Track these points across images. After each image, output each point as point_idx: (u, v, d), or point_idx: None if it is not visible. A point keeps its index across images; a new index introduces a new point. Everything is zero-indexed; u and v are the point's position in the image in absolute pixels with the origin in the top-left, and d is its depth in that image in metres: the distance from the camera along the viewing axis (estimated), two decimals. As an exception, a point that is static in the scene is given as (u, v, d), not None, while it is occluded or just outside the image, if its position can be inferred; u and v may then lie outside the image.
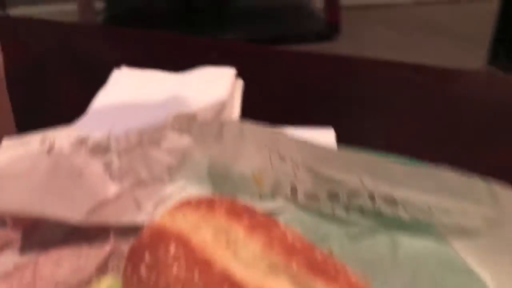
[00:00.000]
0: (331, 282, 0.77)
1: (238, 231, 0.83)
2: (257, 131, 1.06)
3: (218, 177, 1.11)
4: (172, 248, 0.81)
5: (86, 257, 0.96)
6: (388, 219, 1.02)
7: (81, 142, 0.94)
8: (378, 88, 1.36)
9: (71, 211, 0.94)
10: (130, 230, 1.02)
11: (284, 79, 1.39)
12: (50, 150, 0.90)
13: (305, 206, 1.06)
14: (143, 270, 0.80)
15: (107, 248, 0.98)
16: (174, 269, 0.78)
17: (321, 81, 1.37)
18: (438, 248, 0.97)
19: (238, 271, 0.76)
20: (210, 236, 0.84)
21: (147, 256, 0.81)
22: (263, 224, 0.85)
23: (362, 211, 1.05)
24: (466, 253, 0.94)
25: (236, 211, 0.87)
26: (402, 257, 0.99)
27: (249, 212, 0.89)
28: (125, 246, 1.00)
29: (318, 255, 0.81)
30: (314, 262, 0.79)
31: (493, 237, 0.89)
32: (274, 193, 1.09)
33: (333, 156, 0.98)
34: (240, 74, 1.28)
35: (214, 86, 1.25)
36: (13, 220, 0.95)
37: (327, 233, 0.97)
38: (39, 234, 0.98)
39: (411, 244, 1.00)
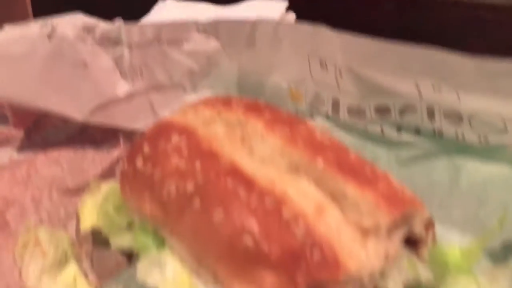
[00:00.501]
0: (366, 187, 0.60)
1: (257, 125, 0.68)
2: (295, 31, 0.89)
3: (249, 89, 0.96)
4: (174, 139, 0.67)
5: (90, 160, 0.84)
6: (450, 141, 0.83)
7: (88, 30, 0.81)
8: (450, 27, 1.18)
9: (75, 106, 0.82)
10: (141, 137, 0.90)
11: None
12: (51, 34, 0.78)
13: (349, 124, 0.89)
14: (139, 162, 0.67)
15: (115, 153, 0.86)
16: (174, 160, 0.64)
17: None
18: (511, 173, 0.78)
19: (250, 166, 0.61)
20: (222, 130, 0.69)
21: (145, 148, 0.68)
22: (287, 120, 0.69)
23: (417, 130, 0.86)
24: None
25: (257, 107, 0.72)
26: (465, 184, 0.80)
27: (272, 109, 0.73)
28: (135, 153, 0.87)
29: (353, 156, 0.65)
30: (346, 162, 0.62)
31: None
32: (313, 109, 0.92)
33: (385, 53, 0.79)
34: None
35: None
36: (15, 117, 0.85)
37: (373, 157, 0.80)
38: (41, 134, 0.87)
39: (477, 170, 0.80)
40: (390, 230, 0.58)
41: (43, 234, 0.72)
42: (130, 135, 0.88)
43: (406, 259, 0.60)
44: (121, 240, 0.67)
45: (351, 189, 0.59)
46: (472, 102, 0.77)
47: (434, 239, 0.67)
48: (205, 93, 0.96)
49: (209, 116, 0.72)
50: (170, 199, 0.61)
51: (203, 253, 0.57)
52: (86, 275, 0.72)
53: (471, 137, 0.81)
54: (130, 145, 0.74)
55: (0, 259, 0.69)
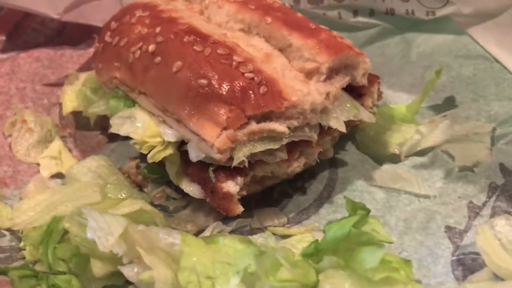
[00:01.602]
0: (308, 37, 0.66)
1: (213, -3, 0.74)
2: None
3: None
4: (138, 13, 0.72)
5: (69, 57, 0.90)
6: (401, 19, 0.89)
7: None
8: None
9: (50, 5, 0.88)
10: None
11: None
12: None
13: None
14: (107, 37, 0.73)
15: (91, 50, 0.92)
16: (137, 29, 0.70)
17: None
18: (455, 40, 0.84)
19: (206, 28, 0.68)
20: (182, 4, 0.75)
21: (112, 24, 0.74)
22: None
23: (371, 12, 0.92)
24: (485, 36, 0.80)
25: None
26: (414, 55, 0.87)
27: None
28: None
29: (299, 16, 0.71)
30: (292, 19, 0.68)
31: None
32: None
33: None
34: None
35: None
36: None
37: None
38: (23, 37, 0.93)
39: (426, 41, 0.87)
40: (331, 72, 0.65)
41: (29, 115, 0.79)
42: (103, 34, 0.94)
43: (349, 103, 0.67)
44: (96, 108, 0.74)
45: (295, 40, 0.66)
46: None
47: (380, 95, 0.74)
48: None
49: (169, -6, 0.78)
50: (135, 61, 0.67)
51: (166, 102, 0.64)
52: (70, 151, 0.79)
53: (420, 12, 0.88)
54: (102, 30, 0.80)
55: (-8, 134, 0.77)
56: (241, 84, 0.60)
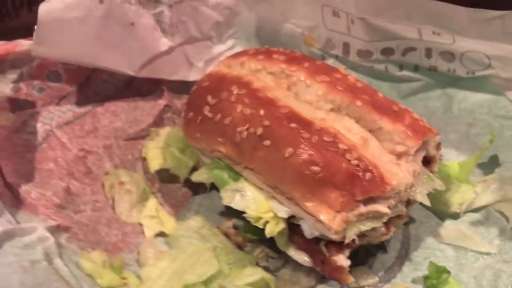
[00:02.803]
0: (396, 121, 0.76)
1: (300, 74, 0.82)
2: (308, -17, 1.01)
3: (267, 35, 1.08)
4: (235, 90, 0.81)
5: (142, 110, 0.97)
6: (443, 75, 1.00)
7: (131, -10, 0.91)
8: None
9: (126, 63, 0.93)
10: (181, 87, 1.03)
11: None
12: (102, -2, 0.88)
13: (357, 64, 1.05)
14: (207, 111, 0.81)
15: (161, 102, 0.99)
16: (239, 108, 0.78)
17: None
18: (494, 100, 0.96)
19: (303, 110, 0.76)
20: (270, 80, 0.83)
21: (209, 99, 0.81)
22: (324, 68, 0.84)
23: (416, 67, 1.03)
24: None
25: (296, 58, 0.86)
26: (456, 110, 0.99)
27: (309, 59, 0.87)
28: (177, 101, 1.00)
29: (382, 96, 0.81)
30: (378, 102, 0.79)
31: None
32: (325, 52, 1.07)
33: (393, 4, 0.93)
34: None
35: None
36: (68, 73, 0.95)
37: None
38: (93, 88, 0.97)
39: (466, 98, 0.99)
40: (416, 153, 0.76)
41: (124, 176, 0.86)
42: (171, 86, 1.00)
43: (425, 175, 0.79)
44: (199, 177, 0.81)
45: (385, 124, 0.76)
46: (465, 44, 0.93)
47: (440, 157, 0.85)
48: (229, 43, 1.09)
49: (254, 68, 0.85)
50: (243, 140, 0.76)
51: (277, 182, 0.73)
52: (161, 205, 0.87)
53: (461, 71, 0.99)
54: (189, 98, 0.87)
55: (96, 198, 0.83)
56: (349, 171, 0.70)
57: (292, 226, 0.75)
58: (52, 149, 0.85)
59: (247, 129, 0.76)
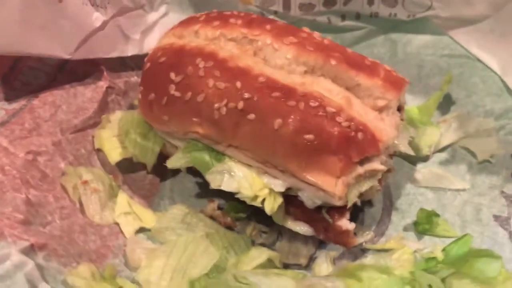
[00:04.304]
0: (373, 76, 0.75)
1: (265, 38, 0.77)
2: None
3: (200, -1, 1.02)
4: (201, 63, 0.74)
5: (82, 96, 0.86)
6: (384, 20, 1.00)
7: (52, -38, 0.78)
8: None
9: (59, 46, 0.81)
10: (119, 64, 0.93)
11: None
12: (20, -28, 0.74)
13: (298, 18, 1.01)
14: (173, 90, 0.73)
15: (102, 84, 0.88)
16: (210, 82, 0.71)
17: None
18: (437, 40, 0.98)
19: (280, 77, 0.72)
20: (233, 48, 0.77)
21: (173, 76, 0.74)
22: (288, 28, 0.79)
23: (358, 16, 1.02)
24: (466, 39, 0.96)
25: (255, 20, 0.80)
26: (402, 54, 1.00)
27: (269, 20, 0.82)
28: (118, 81, 0.91)
29: (351, 52, 0.79)
30: (350, 58, 0.76)
31: (496, 20, 0.91)
32: (263, 9, 1.02)
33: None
34: None
35: None
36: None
37: None
38: (20, 78, 0.85)
39: (410, 42, 1.00)
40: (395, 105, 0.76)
41: (86, 174, 0.77)
42: (109, 64, 0.90)
43: (402, 124, 0.79)
44: (177, 162, 0.75)
45: (362, 79, 0.74)
46: (410, -11, 0.94)
47: (405, 104, 0.86)
48: (162, 9, 0.99)
49: (212, 36, 0.78)
50: (222, 117, 0.70)
51: (268, 156, 0.69)
52: (131, 198, 0.80)
53: (402, 15, 1.00)
54: (145, 77, 0.78)
55: (61, 205, 0.73)
56: (343, 134, 0.68)
57: (287, 197, 0.72)
58: (-6, 158, 0.73)
59: (225, 105, 0.70)
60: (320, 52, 0.75)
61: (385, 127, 0.72)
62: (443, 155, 0.88)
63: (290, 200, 0.72)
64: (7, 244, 0.63)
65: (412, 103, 0.93)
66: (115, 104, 0.89)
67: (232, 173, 0.71)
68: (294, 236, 0.76)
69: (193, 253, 0.70)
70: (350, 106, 0.71)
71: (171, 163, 0.75)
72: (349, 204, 0.69)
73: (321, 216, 0.71)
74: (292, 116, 0.68)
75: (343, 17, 1.01)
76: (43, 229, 0.69)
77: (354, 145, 0.68)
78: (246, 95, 0.70)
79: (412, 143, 0.86)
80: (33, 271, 0.62)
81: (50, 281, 0.63)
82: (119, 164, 0.82)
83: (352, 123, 0.69)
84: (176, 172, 0.83)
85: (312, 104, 0.69)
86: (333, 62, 0.74)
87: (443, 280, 0.66)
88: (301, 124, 0.68)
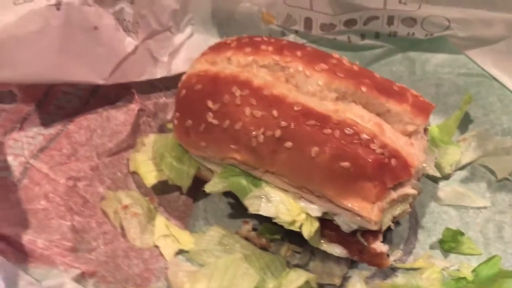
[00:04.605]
0: (402, 102, 0.78)
1: (296, 65, 0.79)
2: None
3: (223, 17, 1.03)
4: (237, 92, 0.76)
5: (115, 119, 0.89)
6: (403, 39, 1.03)
7: (86, -10, 0.80)
8: None
9: (94, 72, 0.84)
10: (148, 87, 0.95)
11: None
12: (58, 4, 0.76)
13: (319, 37, 1.04)
14: (211, 118, 0.76)
15: (133, 107, 0.91)
16: (247, 111, 0.74)
17: None
18: (454, 59, 1.02)
19: (313, 104, 0.75)
20: (266, 75, 0.80)
21: (210, 104, 0.76)
22: (318, 54, 0.82)
23: (377, 35, 1.05)
24: (482, 59, 0.99)
25: (285, 47, 0.83)
26: (420, 73, 1.03)
27: (298, 46, 0.85)
28: (148, 103, 0.94)
29: (379, 77, 0.82)
30: (380, 84, 0.79)
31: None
32: (284, 28, 1.04)
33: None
34: None
35: None
36: (23, 92, 0.84)
37: None
38: (54, 103, 0.87)
39: (428, 60, 1.03)
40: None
41: (125, 198, 0.79)
42: (139, 87, 0.92)
43: (428, 146, 0.83)
44: (214, 187, 0.77)
45: (392, 105, 0.77)
46: (428, 10, 0.97)
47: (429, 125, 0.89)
48: (188, 31, 1.01)
49: (244, 62, 0.81)
50: (260, 145, 0.73)
51: (305, 182, 0.72)
52: (169, 221, 0.82)
53: (420, 34, 1.03)
54: (179, 102, 0.80)
55: (104, 230, 0.76)
56: (377, 161, 0.71)
57: (322, 221, 0.75)
58: (37, 184, 0.76)
59: (263, 133, 0.73)
60: (350, 78, 0.78)
61: (415, 152, 0.75)
62: (464, 173, 0.91)
63: (325, 223, 0.75)
64: (59, 273, 0.66)
65: (432, 122, 0.96)
66: (146, 126, 0.91)
67: (270, 198, 0.74)
68: (327, 255, 0.79)
69: (234, 275, 0.72)
70: (382, 132, 0.75)
71: (209, 188, 0.78)
72: (384, 228, 0.72)
73: (355, 239, 0.74)
74: (328, 144, 0.71)
75: (363, 36, 1.04)
76: (89, 256, 0.71)
77: (388, 171, 0.71)
78: (283, 124, 0.72)
79: (435, 162, 0.90)
80: (86, 299, 0.64)
81: (102, 308, 0.66)
82: (153, 187, 0.85)
83: (386, 149, 0.72)
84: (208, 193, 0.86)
85: (347, 131, 0.72)
86: (363, 89, 0.77)
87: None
88: (338, 152, 0.71)
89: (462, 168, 0.91)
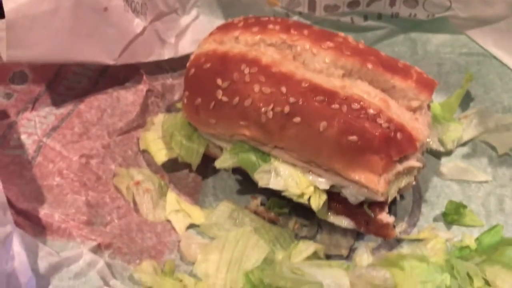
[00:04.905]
0: (406, 78, 0.80)
1: (303, 43, 0.81)
2: None
3: (228, 1, 1.05)
4: (246, 69, 0.78)
5: (125, 99, 0.90)
6: (405, 20, 1.05)
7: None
8: None
9: (105, 52, 0.85)
10: (155, 68, 0.97)
11: None
12: (68, -16, 0.78)
13: (322, 18, 1.06)
14: (220, 95, 0.78)
15: (142, 87, 0.93)
16: (256, 87, 0.76)
17: None
18: (455, 39, 1.04)
19: (321, 81, 0.77)
20: (274, 53, 0.82)
21: (220, 82, 0.78)
22: (324, 33, 0.84)
23: (379, 16, 1.07)
24: (483, 39, 1.01)
25: (292, 26, 0.84)
26: (422, 52, 1.05)
27: (304, 25, 0.87)
28: (155, 83, 0.95)
29: (384, 55, 0.84)
30: (385, 61, 0.81)
31: (513, 20, 0.96)
32: (289, 10, 1.06)
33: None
34: None
35: None
36: (34, 72, 0.85)
37: None
38: (65, 83, 0.89)
39: (429, 40, 1.05)
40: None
41: (137, 175, 0.81)
42: (147, 68, 0.94)
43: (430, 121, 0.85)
44: (224, 163, 0.79)
45: (397, 82, 0.79)
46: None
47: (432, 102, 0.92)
48: (193, 13, 1.03)
49: (252, 41, 0.83)
50: (269, 121, 0.75)
51: (313, 156, 0.74)
52: (179, 197, 0.84)
53: (421, 15, 1.05)
54: (189, 81, 0.82)
55: (117, 205, 0.78)
56: (384, 135, 0.73)
57: (329, 193, 0.77)
58: (50, 162, 0.77)
59: (272, 109, 0.75)
60: (356, 56, 0.80)
61: (419, 126, 0.77)
62: (465, 149, 0.93)
63: (332, 196, 0.77)
64: (77, 244, 0.68)
65: (434, 100, 0.98)
66: (154, 106, 0.93)
67: (279, 172, 0.76)
68: (333, 228, 0.82)
69: (245, 247, 0.75)
70: (388, 107, 0.77)
71: (219, 164, 0.80)
72: (390, 199, 0.74)
73: (362, 210, 0.76)
74: (336, 119, 0.73)
75: (366, 17, 1.06)
76: (104, 229, 0.73)
77: (394, 144, 0.73)
78: (292, 100, 0.74)
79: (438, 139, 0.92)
80: (104, 269, 0.66)
81: (118, 278, 0.68)
82: (163, 164, 0.87)
83: (391, 124, 0.74)
84: (216, 170, 0.88)
85: (354, 106, 0.74)
86: (369, 65, 0.79)
87: (476, 266, 0.72)
88: (345, 126, 0.73)
89: (464, 144, 0.94)
